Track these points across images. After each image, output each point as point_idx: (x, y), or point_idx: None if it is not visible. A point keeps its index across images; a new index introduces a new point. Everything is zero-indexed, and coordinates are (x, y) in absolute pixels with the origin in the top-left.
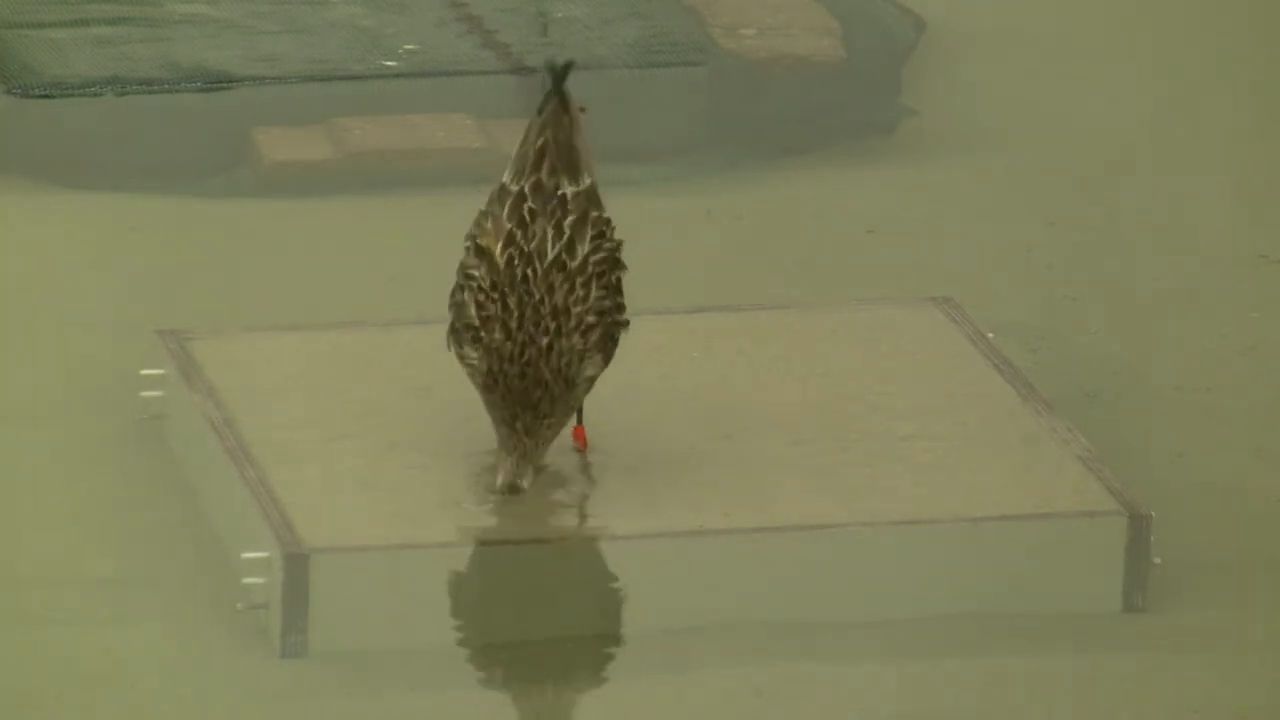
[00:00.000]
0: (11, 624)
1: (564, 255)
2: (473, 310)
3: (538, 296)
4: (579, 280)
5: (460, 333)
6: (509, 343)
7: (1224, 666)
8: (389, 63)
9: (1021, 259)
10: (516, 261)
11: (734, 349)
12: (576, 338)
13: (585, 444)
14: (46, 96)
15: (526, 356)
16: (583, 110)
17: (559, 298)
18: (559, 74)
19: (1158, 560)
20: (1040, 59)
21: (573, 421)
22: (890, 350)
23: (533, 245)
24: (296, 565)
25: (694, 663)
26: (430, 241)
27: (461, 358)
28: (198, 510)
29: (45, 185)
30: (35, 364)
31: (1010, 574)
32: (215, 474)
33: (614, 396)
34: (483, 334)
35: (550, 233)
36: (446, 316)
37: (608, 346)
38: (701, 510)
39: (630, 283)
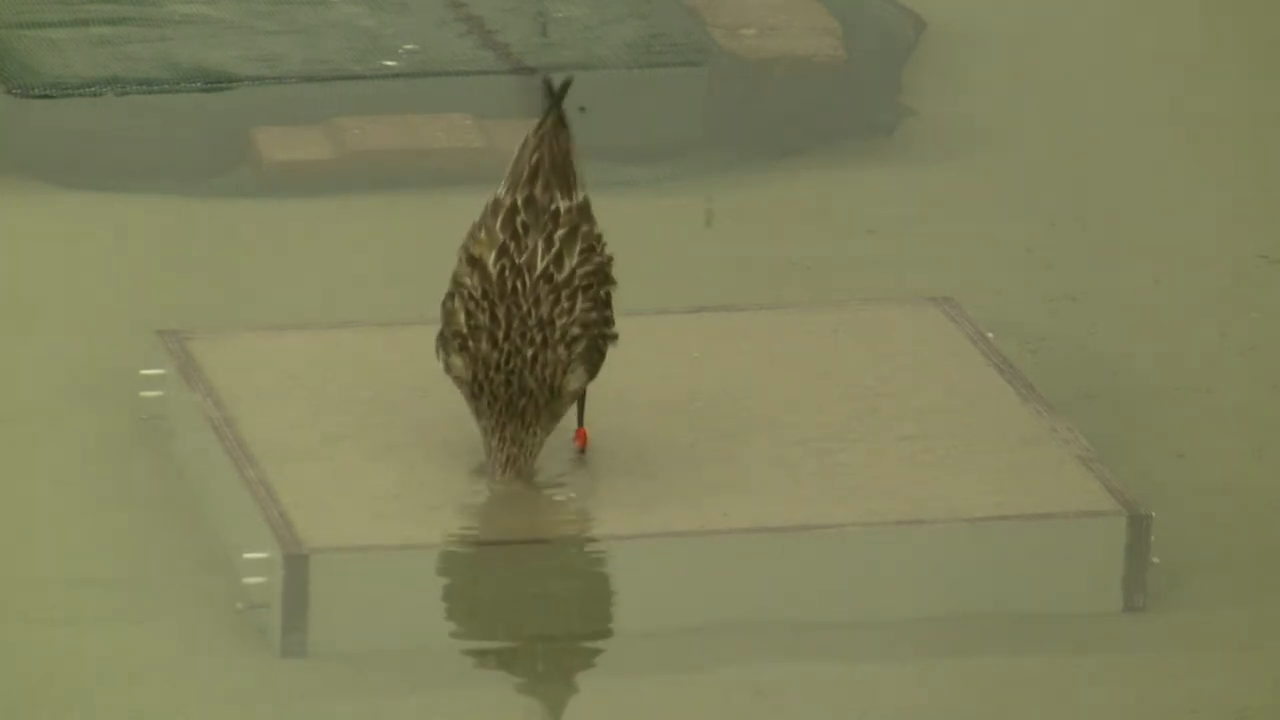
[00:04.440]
0: (11, 624)
1: (552, 268)
2: (462, 318)
3: (525, 309)
4: (565, 293)
5: (448, 341)
6: (495, 352)
7: (1224, 666)
8: (389, 63)
9: (1021, 259)
10: (507, 273)
11: (734, 349)
12: (561, 349)
13: (585, 444)
14: (46, 96)
15: (512, 365)
16: (583, 110)
17: (545, 310)
18: (558, 92)
19: (1157, 560)
20: (1040, 59)
21: (573, 423)
22: (890, 350)
23: (523, 259)
24: (296, 565)
25: (694, 663)
26: (430, 241)
27: (448, 367)
28: (198, 510)
29: (45, 185)
30: (35, 364)
31: (1010, 574)
32: (215, 474)
33: (614, 396)
34: (470, 343)
35: (541, 245)
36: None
37: (593, 358)
38: (701, 510)
39: (630, 282)
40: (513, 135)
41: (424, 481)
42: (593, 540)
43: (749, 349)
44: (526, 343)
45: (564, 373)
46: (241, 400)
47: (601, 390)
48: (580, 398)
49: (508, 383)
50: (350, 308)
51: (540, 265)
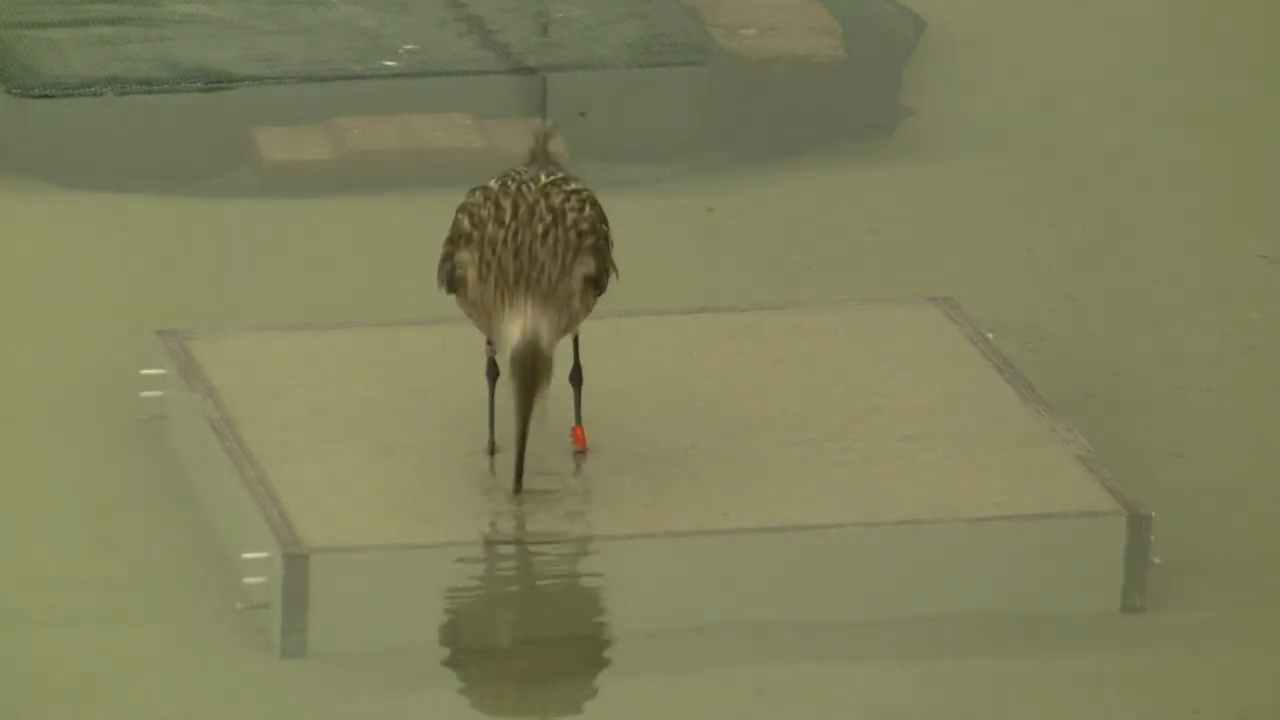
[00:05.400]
0: (11, 624)
1: (559, 178)
2: (466, 223)
3: (532, 200)
4: (574, 197)
5: (452, 251)
6: (502, 230)
7: (1224, 666)
8: (389, 63)
9: (1021, 259)
10: (511, 183)
11: (734, 349)
12: (572, 234)
13: (585, 444)
14: (46, 96)
15: (520, 240)
16: (583, 115)
17: (555, 201)
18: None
19: (1158, 560)
20: (1039, 60)
21: (572, 421)
22: (890, 350)
23: (526, 176)
24: (296, 565)
25: (694, 663)
26: (430, 241)
27: (453, 267)
28: (198, 510)
29: (45, 185)
30: (35, 364)
31: (1010, 574)
32: (215, 474)
33: (614, 396)
34: (475, 233)
35: (543, 174)
36: (445, 317)
37: (600, 258)
38: (701, 510)
39: (630, 282)
40: (513, 135)
41: (424, 482)
42: (593, 540)
43: (749, 349)
44: (536, 219)
45: (574, 253)
46: (241, 400)
47: (601, 390)
48: (577, 394)
49: (516, 255)
50: (350, 308)
51: (544, 180)
